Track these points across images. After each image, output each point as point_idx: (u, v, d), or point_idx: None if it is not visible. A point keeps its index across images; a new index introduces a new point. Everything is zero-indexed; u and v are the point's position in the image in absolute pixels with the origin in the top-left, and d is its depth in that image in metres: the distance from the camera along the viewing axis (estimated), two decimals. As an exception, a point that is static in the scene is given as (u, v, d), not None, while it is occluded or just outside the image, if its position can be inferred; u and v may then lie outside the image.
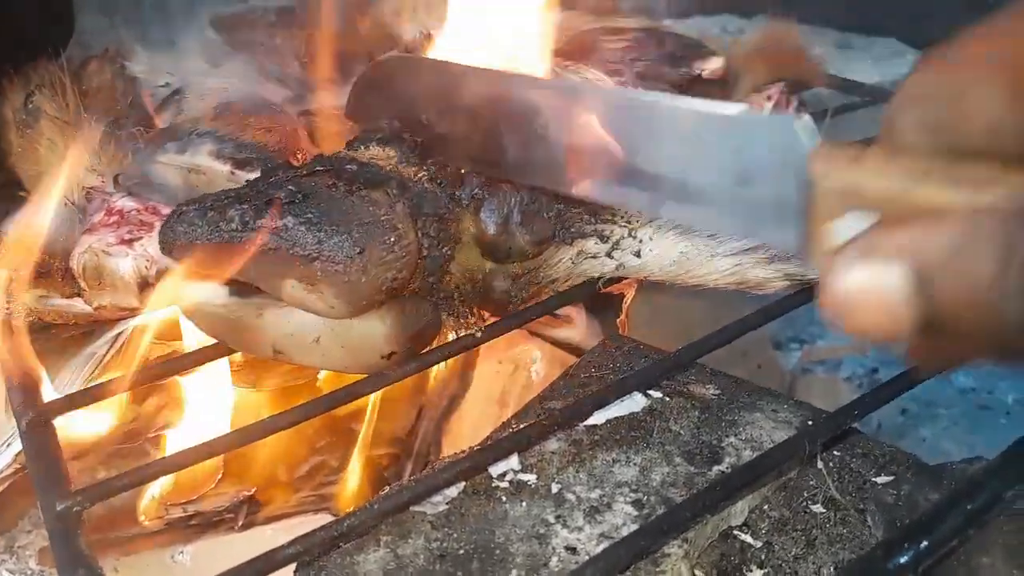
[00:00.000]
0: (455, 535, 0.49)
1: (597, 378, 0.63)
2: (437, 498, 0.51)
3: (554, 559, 0.48)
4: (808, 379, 1.29)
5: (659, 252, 0.58)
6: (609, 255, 0.59)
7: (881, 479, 0.58)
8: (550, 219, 0.57)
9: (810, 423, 0.59)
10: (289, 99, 0.87)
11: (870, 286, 0.28)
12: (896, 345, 0.29)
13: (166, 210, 0.65)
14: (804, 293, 0.61)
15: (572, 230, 0.59)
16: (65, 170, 0.71)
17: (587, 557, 0.48)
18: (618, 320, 0.86)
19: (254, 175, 0.66)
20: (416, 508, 0.50)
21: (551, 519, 0.50)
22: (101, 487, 0.50)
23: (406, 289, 0.52)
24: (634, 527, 0.50)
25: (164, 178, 0.70)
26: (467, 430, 0.91)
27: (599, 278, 0.60)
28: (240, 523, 0.86)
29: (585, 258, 0.59)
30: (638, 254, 0.59)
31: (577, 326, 0.84)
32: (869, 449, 0.60)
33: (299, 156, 0.71)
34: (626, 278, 0.61)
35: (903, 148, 0.30)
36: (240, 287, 0.53)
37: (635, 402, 0.59)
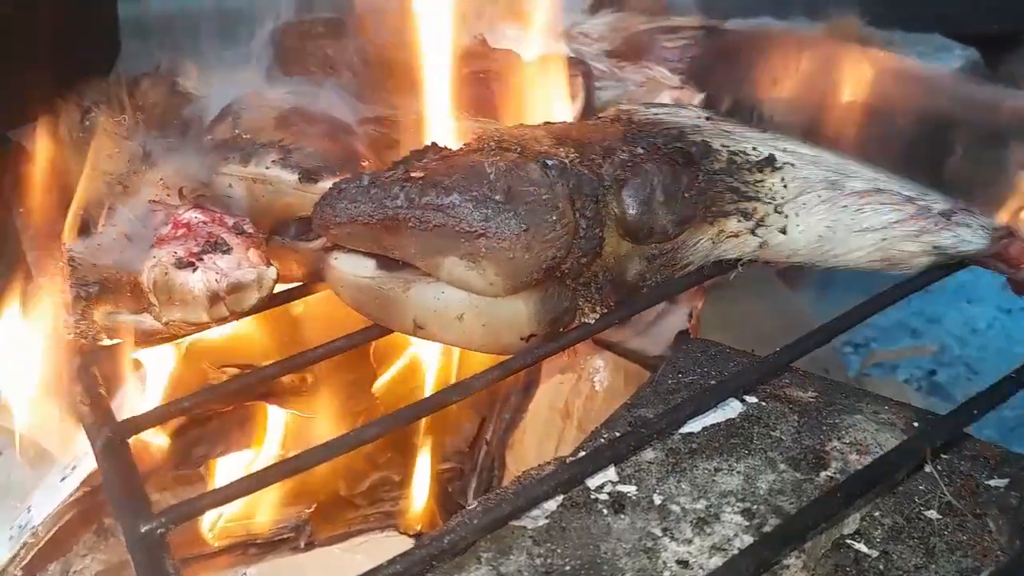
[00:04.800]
0: (559, 550, 0.46)
1: (685, 384, 0.60)
2: (536, 512, 0.48)
3: (666, 574, 0.45)
4: (872, 382, 1.25)
5: (805, 228, 0.56)
6: (753, 232, 0.57)
7: (995, 482, 0.54)
8: (692, 198, 0.55)
9: (916, 424, 0.57)
10: (343, 108, 0.85)
11: None
12: None
13: (233, 222, 0.63)
14: (889, 293, 0.59)
15: (714, 209, 0.56)
16: (128, 184, 0.70)
17: (700, 571, 0.45)
18: (688, 326, 0.83)
19: (324, 183, 0.64)
20: (515, 523, 0.48)
21: (657, 532, 0.48)
22: (185, 507, 0.48)
23: (558, 270, 0.51)
24: (747, 538, 0.47)
25: (228, 189, 0.68)
26: (531, 442, 0.89)
27: (737, 259, 0.57)
28: (303, 543, 0.84)
29: (727, 237, 0.57)
30: (784, 230, 0.56)
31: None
32: (978, 451, 0.57)
33: (364, 164, 0.69)
34: (767, 259, 0.58)
35: None
36: (386, 261, 0.53)
37: (731, 408, 0.56)
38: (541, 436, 0.88)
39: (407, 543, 0.80)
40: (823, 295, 1.20)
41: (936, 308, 1.50)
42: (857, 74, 0.80)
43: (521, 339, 0.53)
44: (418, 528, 0.81)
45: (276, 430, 0.78)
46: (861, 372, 1.35)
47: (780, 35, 0.88)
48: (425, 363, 0.85)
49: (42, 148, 0.83)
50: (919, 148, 0.74)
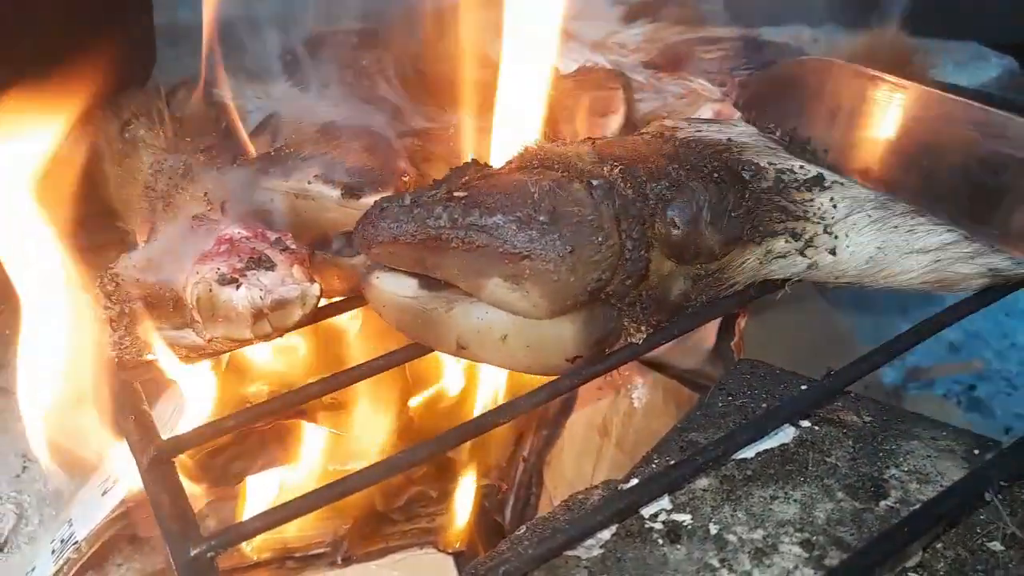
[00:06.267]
0: (615, 582, 0.45)
1: (736, 407, 0.59)
2: (590, 541, 0.47)
3: (726, 608, 0.44)
4: (911, 398, 1.22)
5: (856, 248, 0.55)
6: (802, 253, 0.55)
7: (1060, 513, 0.53)
8: (739, 217, 0.54)
9: (976, 451, 0.55)
10: (382, 120, 0.84)
11: None
12: None
13: (275, 237, 0.63)
14: (945, 315, 0.57)
15: (761, 228, 0.55)
16: (169, 199, 0.69)
17: (762, 606, 0.44)
18: (732, 343, 0.82)
19: (367, 200, 0.64)
20: (569, 552, 0.47)
21: (715, 563, 0.47)
22: (234, 531, 0.47)
23: (603, 291, 0.50)
24: (807, 571, 0.46)
25: (270, 204, 0.68)
26: (569, 459, 0.88)
27: (785, 280, 0.56)
28: (340, 558, 0.83)
29: (774, 258, 0.55)
30: (833, 251, 0.55)
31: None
32: (1039, 480, 0.55)
33: (404, 179, 0.69)
34: (814, 280, 0.57)
35: None
36: (429, 281, 0.52)
37: (785, 433, 0.55)
38: (579, 453, 0.87)
39: (446, 560, 0.79)
40: (862, 308, 1.18)
41: (974, 322, 1.48)
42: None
43: (566, 360, 0.52)
44: (457, 546, 0.80)
45: (314, 445, 0.78)
46: (900, 387, 1.32)
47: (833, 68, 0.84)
48: (463, 380, 0.84)
49: (81, 159, 0.83)
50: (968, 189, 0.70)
